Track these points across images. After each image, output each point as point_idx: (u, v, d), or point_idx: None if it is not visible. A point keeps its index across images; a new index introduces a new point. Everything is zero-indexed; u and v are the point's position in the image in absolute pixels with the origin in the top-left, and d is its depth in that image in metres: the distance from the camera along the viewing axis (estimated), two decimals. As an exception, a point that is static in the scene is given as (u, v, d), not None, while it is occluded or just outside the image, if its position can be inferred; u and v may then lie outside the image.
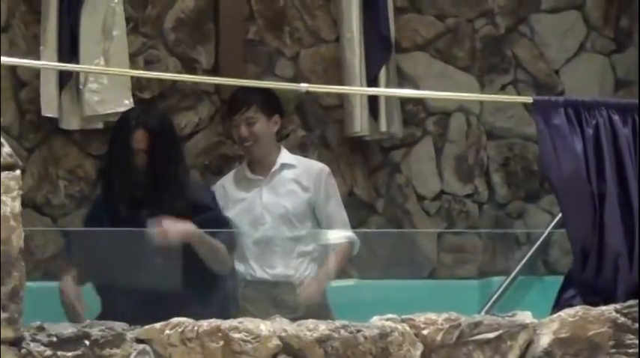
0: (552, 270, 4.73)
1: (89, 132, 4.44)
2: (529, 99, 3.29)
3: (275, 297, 3.85)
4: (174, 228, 3.57)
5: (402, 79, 4.78)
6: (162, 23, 4.62)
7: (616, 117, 3.20)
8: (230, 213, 3.89)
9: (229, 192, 3.96)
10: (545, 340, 2.88)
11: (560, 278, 3.43)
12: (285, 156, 3.99)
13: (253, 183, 3.96)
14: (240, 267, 3.88)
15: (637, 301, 2.93)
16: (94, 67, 4.28)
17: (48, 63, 4.20)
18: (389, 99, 4.64)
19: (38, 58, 4.25)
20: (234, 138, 4.09)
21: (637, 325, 2.91)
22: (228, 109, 4.01)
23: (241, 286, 3.88)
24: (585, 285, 3.22)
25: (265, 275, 3.87)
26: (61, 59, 4.28)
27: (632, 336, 2.90)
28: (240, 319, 2.75)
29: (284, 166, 3.97)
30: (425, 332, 2.81)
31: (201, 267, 3.64)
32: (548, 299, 3.39)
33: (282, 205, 3.92)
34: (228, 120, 4.10)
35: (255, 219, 3.91)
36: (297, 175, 3.95)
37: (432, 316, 2.84)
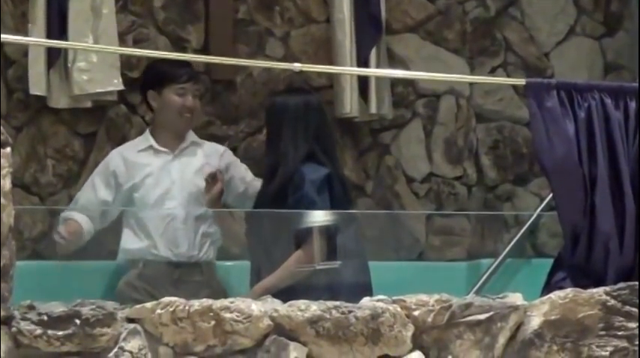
0: (540, 253, 4.74)
1: (78, 111, 4.41)
2: (522, 82, 3.29)
3: (177, 278, 3.80)
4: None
5: (393, 60, 4.77)
6: (151, 2, 4.58)
7: (608, 101, 3.20)
8: (134, 183, 3.86)
9: (131, 160, 3.90)
10: (535, 322, 2.89)
11: (548, 261, 3.44)
12: (192, 134, 4.01)
13: (160, 156, 3.92)
14: (141, 243, 3.83)
15: (627, 284, 2.94)
16: (93, 45, 4.24)
17: (50, 41, 4.16)
18: (379, 80, 4.63)
19: (26, 36, 4.21)
20: (169, 103, 3.91)
21: (627, 308, 2.92)
22: (173, 76, 3.88)
23: (139, 266, 3.81)
24: (575, 268, 3.23)
25: (169, 253, 3.82)
26: (49, 37, 4.24)
27: (622, 319, 2.92)
28: (231, 299, 2.75)
29: (193, 144, 3.98)
30: (416, 313, 2.82)
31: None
32: (536, 281, 3.40)
33: (194, 183, 3.89)
34: (164, 86, 3.90)
35: (162, 194, 3.87)
36: (207, 155, 3.96)
37: (423, 297, 2.84)
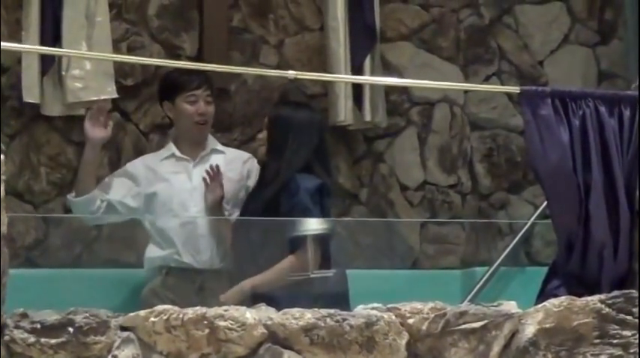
0: (534, 261, 4.74)
1: (71, 118, 4.40)
2: (516, 89, 3.29)
3: (199, 285, 3.80)
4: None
5: (387, 68, 4.78)
6: (145, 9, 4.58)
7: (602, 109, 3.21)
8: (156, 190, 3.87)
9: (153, 168, 3.92)
10: (530, 330, 2.89)
11: (543, 269, 3.44)
12: (213, 141, 4.03)
13: (181, 164, 3.94)
14: (164, 250, 3.82)
15: (622, 292, 2.94)
16: (89, 52, 4.24)
17: (48, 48, 4.15)
18: (373, 88, 4.63)
19: (20, 44, 4.20)
20: (182, 112, 3.91)
21: (622, 315, 2.91)
22: (183, 84, 3.89)
23: (162, 273, 3.82)
24: (570, 276, 3.23)
25: (192, 260, 3.82)
26: (43, 45, 4.24)
27: (617, 327, 2.91)
28: (225, 307, 2.74)
29: (214, 151, 3.99)
30: (410, 321, 2.81)
31: None
32: (530, 289, 3.41)
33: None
34: (176, 95, 3.91)
35: (183, 201, 3.88)
36: (228, 161, 3.96)
37: (418, 305, 2.84)
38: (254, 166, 3.98)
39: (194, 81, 3.91)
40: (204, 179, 3.86)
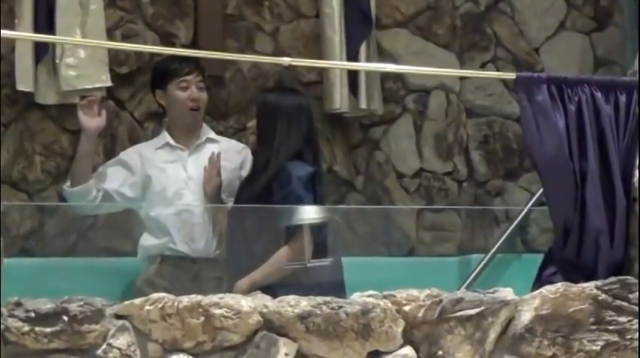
0: (531, 248, 4.74)
1: (66, 107, 4.39)
2: (512, 76, 3.29)
3: (194, 274, 3.79)
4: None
5: (382, 55, 4.76)
6: (140, -3, 4.57)
7: (598, 95, 3.21)
8: (151, 179, 3.86)
9: (147, 157, 3.90)
10: (526, 316, 2.88)
11: (539, 256, 3.44)
12: (208, 131, 4.00)
13: (176, 153, 3.92)
14: (158, 239, 3.81)
15: (618, 278, 2.94)
16: (84, 40, 4.22)
17: (45, 36, 4.13)
18: (369, 76, 4.62)
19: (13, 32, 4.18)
20: (174, 99, 3.88)
21: (618, 302, 2.91)
22: (174, 70, 3.87)
23: (157, 261, 3.81)
24: (566, 263, 3.23)
25: (187, 248, 3.81)
26: (36, 33, 4.22)
27: (613, 313, 2.91)
28: (220, 295, 2.73)
29: (208, 140, 3.97)
30: (406, 308, 2.81)
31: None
32: (527, 276, 3.41)
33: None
34: (167, 82, 3.88)
35: (178, 190, 3.86)
36: (223, 151, 3.94)
37: (414, 292, 2.84)
38: (248, 157, 3.97)
39: (185, 67, 3.89)
40: (205, 168, 3.85)
